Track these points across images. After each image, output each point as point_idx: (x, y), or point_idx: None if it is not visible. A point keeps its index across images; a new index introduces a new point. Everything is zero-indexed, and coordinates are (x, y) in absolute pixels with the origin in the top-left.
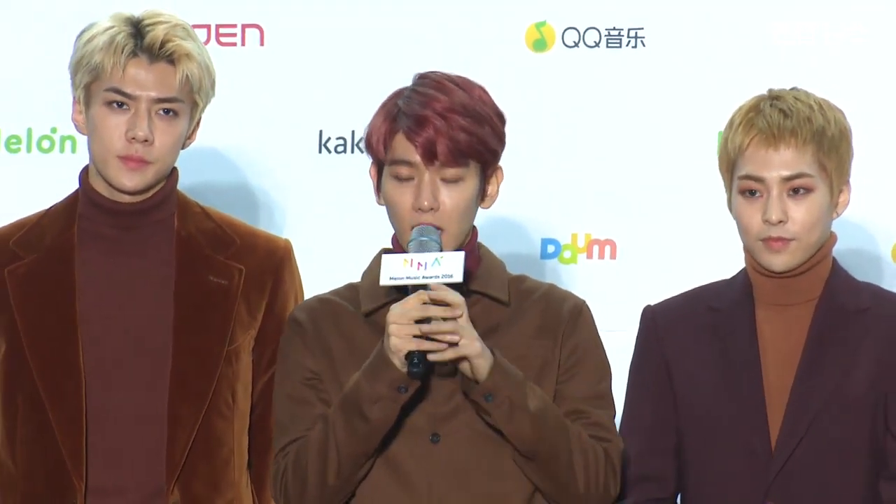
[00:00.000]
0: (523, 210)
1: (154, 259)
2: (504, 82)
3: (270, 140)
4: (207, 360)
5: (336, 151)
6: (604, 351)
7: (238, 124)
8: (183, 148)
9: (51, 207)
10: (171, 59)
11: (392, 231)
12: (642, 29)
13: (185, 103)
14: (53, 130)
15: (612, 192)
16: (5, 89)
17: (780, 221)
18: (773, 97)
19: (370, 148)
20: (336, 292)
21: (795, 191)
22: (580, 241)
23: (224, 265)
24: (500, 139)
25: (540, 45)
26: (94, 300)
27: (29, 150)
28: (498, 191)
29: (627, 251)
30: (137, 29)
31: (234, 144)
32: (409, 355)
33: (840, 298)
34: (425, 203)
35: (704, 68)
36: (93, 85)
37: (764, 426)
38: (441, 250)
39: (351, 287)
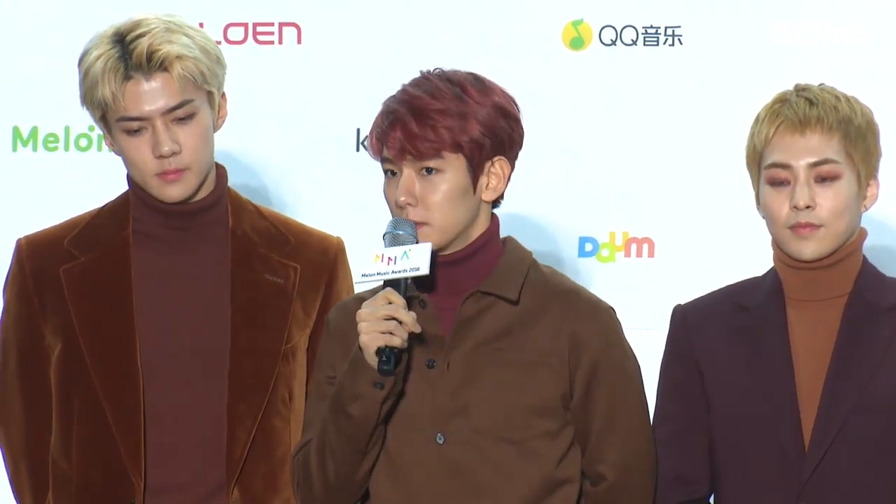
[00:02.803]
0: (561, 208)
1: (209, 258)
2: (541, 80)
3: (308, 138)
4: (265, 358)
5: None
6: (630, 360)
7: (276, 123)
8: (217, 130)
9: (104, 207)
10: (164, 67)
11: None
12: (679, 27)
13: (197, 99)
14: (91, 129)
15: (650, 190)
16: (43, 88)
17: (808, 207)
18: (800, 89)
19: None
20: (375, 290)
21: (823, 179)
22: (618, 239)
23: (280, 264)
24: (493, 132)
25: (577, 43)
26: (151, 299)
27: (67, 148)
28: (504, 184)
29: (665, 249)
30: (124, 47)
31: (271, 143)
32: (379, 352)
33: (869, 296)
34: (401, 198)
35: (742, 66)
36: (106, 116)
37: (797, 428)
38: (416, 241)
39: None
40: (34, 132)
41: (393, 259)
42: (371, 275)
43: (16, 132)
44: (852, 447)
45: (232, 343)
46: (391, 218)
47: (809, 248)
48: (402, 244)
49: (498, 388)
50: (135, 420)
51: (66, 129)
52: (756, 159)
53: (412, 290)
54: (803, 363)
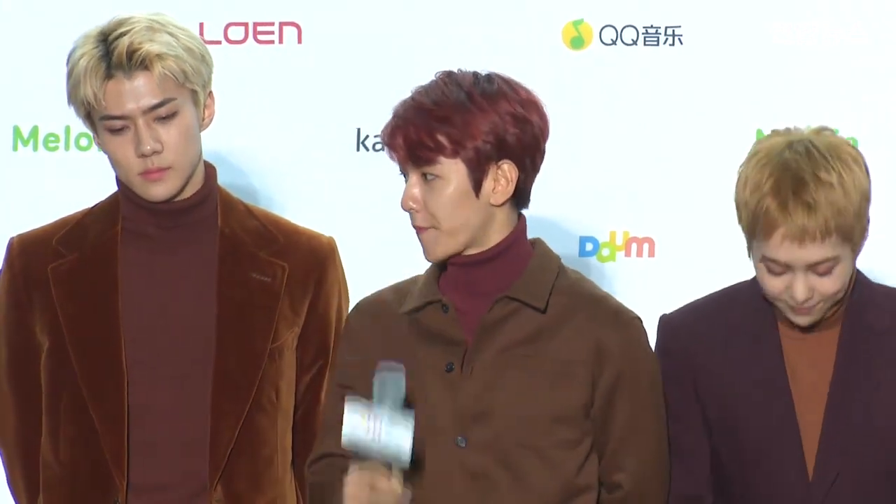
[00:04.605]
0: (561, 208)
1: (197, 257)
2: (541, 80)
3: (308, 138)
4: (251, 357)
5: (374, 149)
6: (653, 370)
7: (276, 122)
8: (204, 129)
9: (94, 206)
10: (145, 66)
11: None
12: (680, 27)
13: (179, 98)
14: None
15: (651, 189)
16: (43, 88)
17: (808, 298)
18: (794, 175)
19: None
20: (396, 286)
21: (821, 273)
22: (618, 238)
23: (267, 262)
24: (497, 138)
25: (577, 42)
26: (137, 298)
27: (67, 148)
28: (508, 186)
29: (666, 249)
30: (106, 46)
31: (271, 143)
32: None
33: (866, 318)
34: (406, 203)
35: (742, 66)
36: (91, 115)
37: (800, 459)
38: (403, 391)
39: (413, 280)
40: (34, 132)
41: (378, 433)
42: (357, 438)
43: (16, 132)
44: (857, 478)
45: (217, 342)
46: (413, 226)
47: (806, 321)
48: (388, 396)
49: (522, 394)
50: (118, 419)
51: (67, 129)
52: (749, 232)
53: (434, 294)
54: (804, 390)
